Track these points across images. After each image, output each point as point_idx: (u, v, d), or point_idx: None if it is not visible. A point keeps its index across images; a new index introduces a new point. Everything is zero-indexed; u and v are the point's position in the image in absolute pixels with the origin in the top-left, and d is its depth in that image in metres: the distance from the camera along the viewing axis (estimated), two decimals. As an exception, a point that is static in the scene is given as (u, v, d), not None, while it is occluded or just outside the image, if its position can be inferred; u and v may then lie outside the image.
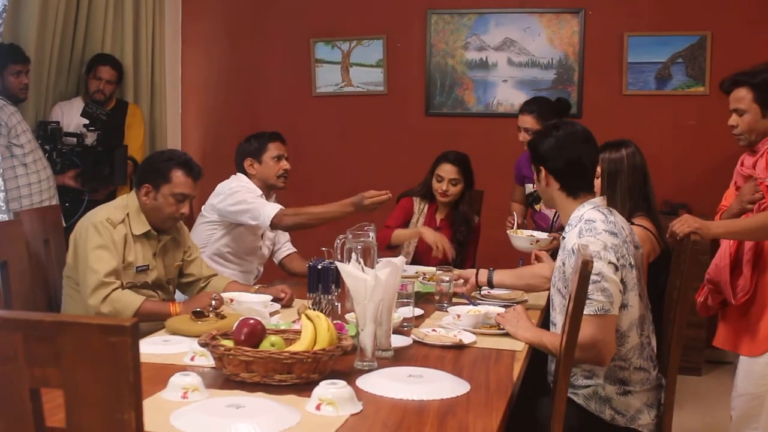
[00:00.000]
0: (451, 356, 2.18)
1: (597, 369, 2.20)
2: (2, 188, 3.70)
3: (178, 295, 3.02)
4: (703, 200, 4.42)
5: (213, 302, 2.47)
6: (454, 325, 2.46)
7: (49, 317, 1.04)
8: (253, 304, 2.56)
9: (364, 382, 1.87)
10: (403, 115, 5.18)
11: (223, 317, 2.39)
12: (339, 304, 2.60)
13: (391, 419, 1.67)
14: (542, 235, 3.28)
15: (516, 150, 3.95)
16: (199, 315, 2.37)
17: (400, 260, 2.18)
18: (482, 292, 2.95)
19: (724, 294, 2.76)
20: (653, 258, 2.77)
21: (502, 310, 2.53)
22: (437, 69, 5.11)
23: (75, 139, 3.99)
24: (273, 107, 5.29)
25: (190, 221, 3.38)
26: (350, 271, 2.04)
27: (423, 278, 3.14)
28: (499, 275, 2.84)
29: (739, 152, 2.85)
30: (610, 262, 2.12)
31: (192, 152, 4.16)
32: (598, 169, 2.62)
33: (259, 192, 3.35)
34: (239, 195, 3.29)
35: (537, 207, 3.80)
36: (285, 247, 3.64)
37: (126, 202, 2.80)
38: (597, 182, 2.62)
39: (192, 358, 2.02)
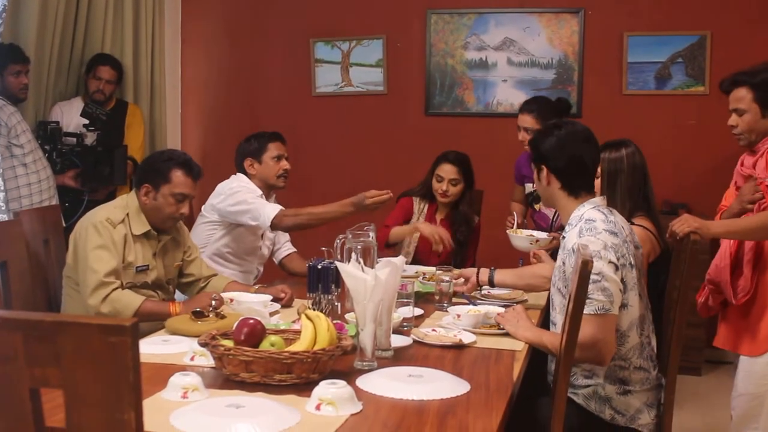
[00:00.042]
0: (451, 356, 2.18)
1: (597, 369, 2.21)
2: (2, 188, 3.70)
3: (178, 295, 3.02)
4: (703, 200, 4.41)
5: (213, 302, 2.47)
6: (454, 324, 2.45)
7: (49, 317, 1.04)
8: (253, 304, 2.56)
9: (364, 381, 1.87)
10: (402, 115, 5.18)
11: (223, 317, 2.39)
12: (339, 304, 2.60)
13: (391, 419, 1.67)
14: (542, 235, 3.28)
15: (516, 150, 3.95)
16: (199, 315, 2.37)
17: (400, 260, 2.18)
18: (482, 292, 2.95)
19: (725, 294, 2.76)
20: (653, 258, 2.77)
21: (502, 310, 2.53)
22: (437, 69, 5.12)
23: (75, 139, 3.99)
24: (273, 107, 5.29)
25: (190, 221, 3.38)
26: (350, 271, 2.04)
27: (423, 278, 3.14)
28: (500, 275, 2.84)
29: (739, 152, 2.85)
30: (610, 262, 2.12)
31: (192, 152, 4.15)
32: (598, 169, 2.62)
33: (259, 192, 3.35)
34: (239, 195, 3.29)
35: (537, 207, 3.80)
36: (285, 247, 3.64)
37: (126, 202, 2.80)
38: (597, 182, 2.62)
39: (192, 358, 2.02)
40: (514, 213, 3.73)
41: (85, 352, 1.01)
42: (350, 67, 5.23)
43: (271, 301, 2.72)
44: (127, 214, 2.76)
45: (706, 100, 4.72)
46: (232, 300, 2.64)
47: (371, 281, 1.99)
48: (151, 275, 2.80)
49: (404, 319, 2.41)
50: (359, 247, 2.41)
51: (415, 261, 3.71)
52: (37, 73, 3.94)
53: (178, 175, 2.77)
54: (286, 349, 1.89)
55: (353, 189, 3.30)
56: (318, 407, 1.66)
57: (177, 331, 2.32)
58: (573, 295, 1.86)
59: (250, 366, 1.82)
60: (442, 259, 3.66)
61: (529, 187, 3.85)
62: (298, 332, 2.00)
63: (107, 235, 2.66)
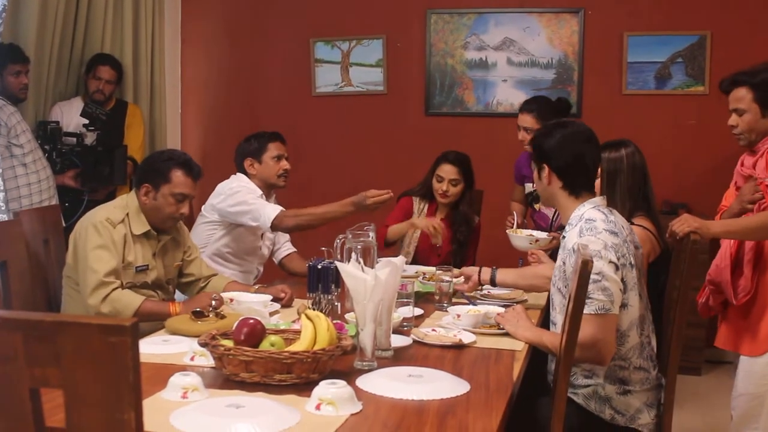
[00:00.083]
0: (450, 356, 2.18)
1: (597, 368, 2.20)
2: (2, 188, 3.70)
3: (178, 295, 3.02)
4: (703, 200, 4.41)
5: (213, 302, 2.47)
6: (453, 324, 2.45)
7: (49, 317, 1.04)
8: (253, 304, 2.56)
9: (364, 381, 1.87)
10: (402, 114, 5.18)
11: (223, 317, 2.39)
12: (339, 304, 2.60)
13: (391, 419, 1.67)
14: (542, 235, 3.28)
15: (516, 150, 3.95)
16: (199, 315, 2.37)
17: (400, 260, 2.18)
18: (482, 292, 2.95)
19: (725, 294, 2.76)
20: (653, 258, 2.77)
21: (502, 309, 2.53)
22: (437, 69, 5.11)
23: (75, 139, 3.99)
24: (273, 107, 5.29)
25: (190, 221, 3.38)
26: (350, 270, 2.04)
27: (423, 278, 3.14)
28: (503, 274, 2.84)
29: (739, 152, 2.85)
30: (610, 262, 2.12)
31: (192, 152, 4.15)
32: (598, 169, 2.62)
33: (260, 192, 3.35)
34: (239, 196, 3.29)
35: (536, 206, 3.80)
36: (285, 247, 3.64)
37: (126, 202, 2.80)
38: (597, 182, 2.62)
39: (192, 358, 2.02)
40: (514, 213, 3.73)
41: (85, 352, 1.01)
42: (350, 67, 5.23)
43: (271, 301, 2.72)
44: (127, 214, 2.76)
45: (706, 100, 4.72)
46: (232, 300, 2.64)
47: (371, 281, 1.99)
48: (150, 275, 2.80)
49: (404, 319, 2.41)
50: (359, 247, 2.41)
51: (415, 261, 3.71)
52: (37, 73, 3.94)
53: (178, 175, 2.77)
54: (286, 349, 1.89)
55: (353, 189, 3.30)
56: (318, 407, 1.66)
57: (177, 331, 2.32)
58: (573, 294, 1.86)
59: (250, 366, 1.82)
60: (442, 259, 3.66)
61: (528, 187, 3.85)
62: (298, 332, 2.00)
63: (107, 235, 2.66)
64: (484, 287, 2.94)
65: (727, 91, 2.73)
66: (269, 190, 3.45)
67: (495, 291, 2.97)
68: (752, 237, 2.63)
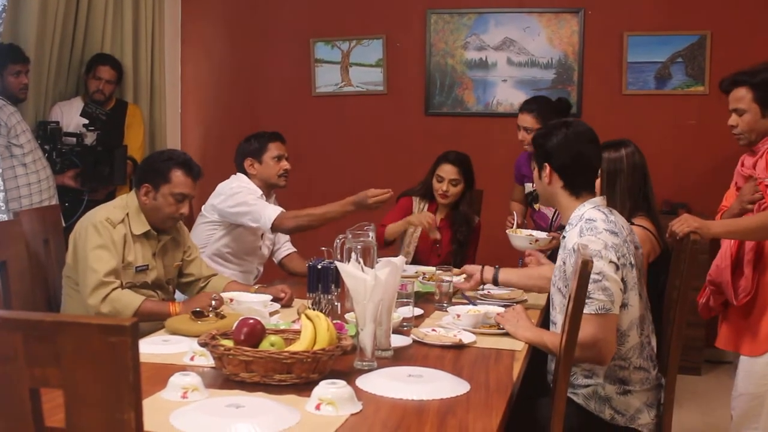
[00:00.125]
0: (450, 356, 2.18)
1: (597, 368, 2.20)
2: (2, 188, 3.70)
3: (178, 295, 3.02)
4: (703, 200, 4.42)
5: (213, 302, 2.47)
6: (453, 324, 2.45)
7: (49, 317, 1.04)
8: (253, 304, 2.56)
9: (364, 381, 1.87)
10: (402, 114, 5.18)
11: (222, 317, 2.39)
12: (339, 304, 2.60)
13: (390, 419, 1.67)
14: (541, 235, 3.28)
15: (516, 149, 3.95)
16: (198, 315, 2.37)
17: (399, 260, 2.18)
18: (482, 292, 2.95)
19: (726, 295, 2.76)
20: (653, 258, 2.77)
21: (502, 309, 2.53)
22: (437, 69, 5.11)
23: (74, 139, 3.99)
24: (273, 107, 5.29)
25: (190, 221, 3.38)
26: (350, 270, 2.04)
27: (423, 278, 3.14)
28: (505, 274, 2.82)
29: (739, 152, 2.85)
30: (611, 261, 2.12)
31: (192, 152, 4.15)
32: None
33: (260, 192, 3.35)
34: (240, 196, 3.29)
35: (536, 206, 3.80)
36: (285, 246, 3.64)
37: (126, 201, 2.80)
38: (597, 182, 2.62)
39: (192, 358, 2.02)
40: (514, 213, 3.72)
41: (85, 352, 1.01)
42: (350, 67, 5.23)
43: (271, 301, 2.72)
44: (127, 214, 2.76)
45: (706, 100, 4.72)
46: (232, 300, 2.64)
47: (371, 281, 1.99)
48: (150, 275, 2.80)
49: (404, 319, 2.41)
50: (359, 247, 2.41)
51: (415, 261, 3.71)
52: (37, 73, 3.94)
53: (177, 175, 2.77)
54: (285, 349, 1.89)
55: (353, 189, 3.30)
56: (318, 407, 1.66)
57: (177, 331, 2.32)
58: (573, 294, 1.86)
59: (250, 366, 1.82)
60: (442, 259, 3.66)
61: (528, 187, 3.85)
62: (297, 332, 2.00)
63: (107, 235, 2.66)
64: (484, 287, 2.94)
65: (727, 91, 2.73)
66: (269, 190, 3.45)
67: (495, 291, 2.97)
68: (752, 237, 2.63)
